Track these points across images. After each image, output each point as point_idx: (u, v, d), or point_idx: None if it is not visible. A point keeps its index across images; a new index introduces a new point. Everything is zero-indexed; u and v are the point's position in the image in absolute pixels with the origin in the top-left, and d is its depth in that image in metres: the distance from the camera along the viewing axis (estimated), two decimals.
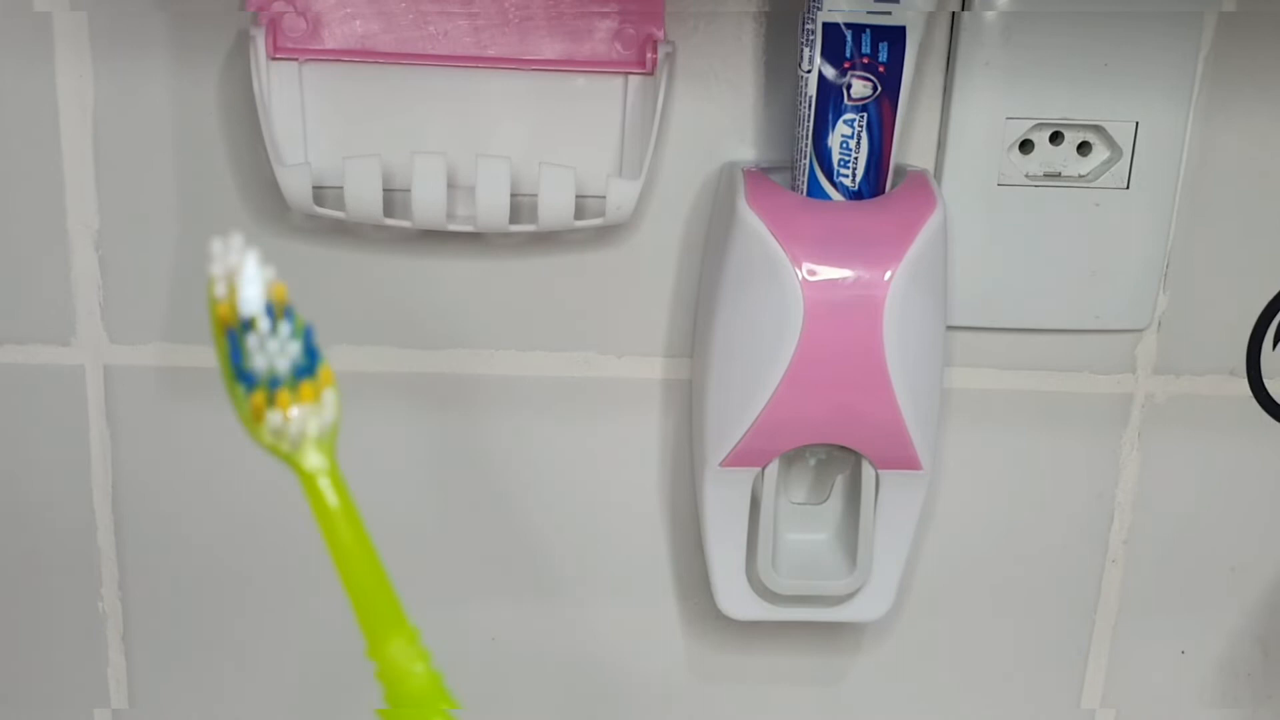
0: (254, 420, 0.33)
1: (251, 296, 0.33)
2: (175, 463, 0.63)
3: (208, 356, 0.62)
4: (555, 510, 0.65)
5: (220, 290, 0.33)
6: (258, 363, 0.33)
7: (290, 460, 0.33)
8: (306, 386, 0.33)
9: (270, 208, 0.60)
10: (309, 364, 0.34)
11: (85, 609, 0.65)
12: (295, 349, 0.33)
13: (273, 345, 0.33)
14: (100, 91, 0.58)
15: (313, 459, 0.34)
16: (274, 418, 0.33)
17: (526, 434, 0.64)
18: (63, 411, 0.62)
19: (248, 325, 0.32)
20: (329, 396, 0.34)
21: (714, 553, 0.62)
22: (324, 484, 0.34)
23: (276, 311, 0.33)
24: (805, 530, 0.64)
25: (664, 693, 0.69)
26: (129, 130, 0.59)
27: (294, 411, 0.33)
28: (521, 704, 0.69)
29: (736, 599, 0.62)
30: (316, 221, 0.60)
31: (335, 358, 0.62)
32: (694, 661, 0.68)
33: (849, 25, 0.54)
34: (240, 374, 0.33)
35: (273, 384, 0.33)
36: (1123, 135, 0.60)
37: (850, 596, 0.62)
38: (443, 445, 0.64)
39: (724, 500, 0.60)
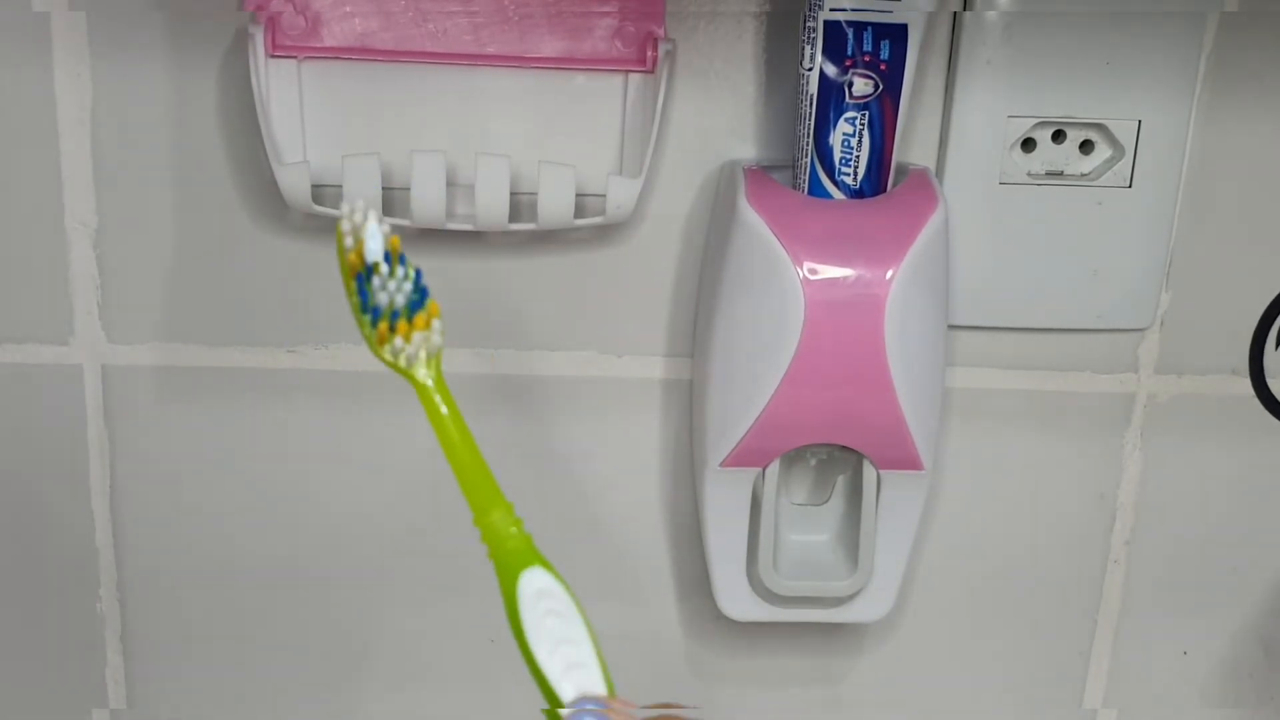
0: (378, 344, 0.42)
1: (375, 248, 0.41)
2: (173, 462, 0.63)
3: (206, 356, 0.62)
4: (555, 510, 0.65)
5: (349, 242, 0.42)
6: (380, 299, 0.41)
7: (407, 374, 0.42)
8: (419, 317, 0.42)
9: (269, 206, 0.60)
10: (419, 299, 0.42)
11: (83, 609, 0.65)
12: (409, 287, 0.42)
13: (391, 285, 0.42)
14: (98, 90, 0.58)
15: (423, 373, 0.42)
16: (396, 342, 0.42)
17: (526, 434, 0.64)
18: (61, 411, 0.62)
19: (371, 270, 0.41)
20: (436, 325, 0.42)
21: (714, 553, 0.62)
22: (435, 395, 0.42)
23: (393, 258, 0.41)
24: (806, 531, 0.63)
25: (664, 693, 0.69)
26: (127, 129, 0.58)
27: (414, 336, 0.42)
28: (522, 704, 0.68)
29: (737, 600, 0.62)
30: (315, 220, 0.60)
31: (334, 357, 0.62)
32: (694, 661, 0.68)
33: (850, 23, 0.54)
34: (365, 308, 0.42)
35: (393, 315, 0.42)
36: (1125, 134, 0.60)
37: (851, 597, 0.62)
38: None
39: (724, 500, 0.60)
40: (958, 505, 0.66)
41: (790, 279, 0.55)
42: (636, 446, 0.64)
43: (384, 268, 0.41)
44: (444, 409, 0.43)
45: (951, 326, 0.61)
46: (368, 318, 0.42)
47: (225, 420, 0.63)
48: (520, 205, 0.58)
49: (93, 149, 0.59)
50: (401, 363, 0.42)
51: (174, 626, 0.66)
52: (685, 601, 0.67)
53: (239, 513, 0.64)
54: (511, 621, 0.43)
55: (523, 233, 0.60)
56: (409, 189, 0.55)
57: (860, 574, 0.61)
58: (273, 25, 0.56)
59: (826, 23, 0.54)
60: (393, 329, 0.42)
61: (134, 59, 0.57)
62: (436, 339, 0.42)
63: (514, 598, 0.43)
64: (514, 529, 0.43)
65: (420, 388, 0.42)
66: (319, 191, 0.57)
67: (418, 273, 0.42)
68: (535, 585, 0.43)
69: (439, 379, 0.42)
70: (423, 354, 0.42)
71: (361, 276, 0.42)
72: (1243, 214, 0.63)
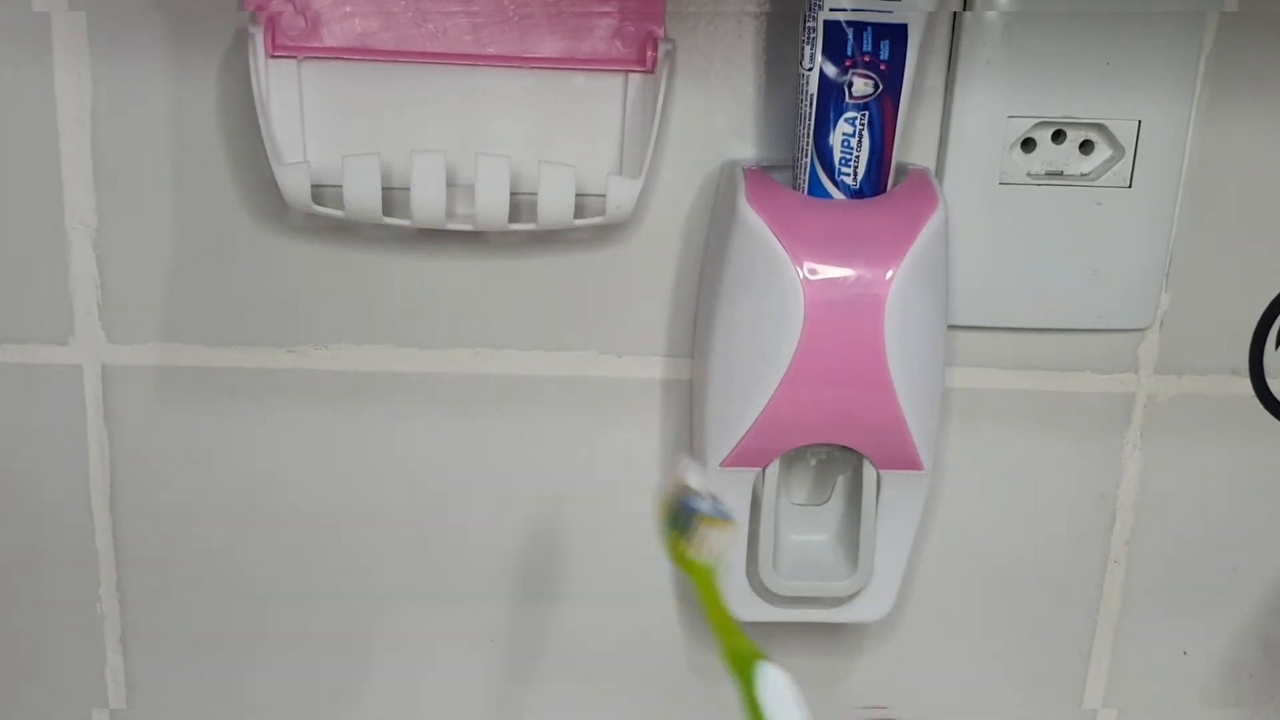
0: (678, 546, 0.51)
1: (694, 480, 0.51)
2: (173, 462, 0.63)
3: (206, 356, 0.62)
4: (555, 510, 0.65)
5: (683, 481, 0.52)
6: (692, 521, 0.51)
7: (691, 566, 0.51)
8: (715, 529, 0.50)
9: (269, 206, 0.60)
10: (717, 516, 0.51)
11: (83, 609, 0.65)
12: (710, 507, 0.51)
13: (702, 506, 0.51)
14: (98, 90, 0.58)
15: (706, 566, 0.51)
16: (694, 547, 0.51)
17: (527, 434, 0.64)
18: (61, 411, 0.62)
19: (687, 494, 0.51)
20: (724, 539, 0.51)
21: None
22: (712, 584, 0.50)
23: (705, 494, 0.51)
24: (806, 531, 0.63)
25: (664, 693, 0.69)
26: (127, 129, 0.58)
27: (706, 543, 0.51)
28: (522, 704, 0.69)
29: (737, 599, 0.62)
30: (315, 220, 0.60)
31: (334, 357, 0.62)
32: (694, 661, 0.68)
33: (850, 23, 0.54)
34: (674, 523, 0.51)
35: (689, 525, 0.51)
36: (1125, 134, 0.60)
37: (851, 597, 0.62)
38: (442, 444, 0.64)
39: (724, 500, 0.60)
40: (958, 505, 0.66)
41: (790, 279, 0.55)
42: (636, 446, 0.64)
43: (699, 501, 0.51)
44: (719, 595, 0.51)
45: (951, 326, 0.61)
46: (674, 531, 0.51)
47: (225, 420, 0.63)
48: (520, 205, 0.58)
49: (93, 149, 0.59)
50: (692, 559, 0.51)
51: (174, 626, 0.66)
52: (685, 601, 0.67)
53: (239, 513, 0.64)
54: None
55: (523, 233, 0.60)
56: (409, 189, 0.55)
57: (860, 574, 0.61)
58: (273, 25, 0.56)
59: (826, 23, 0.54)
60: (690, 538, 0.51)
61: (134, 59, 0.57)
62: (720, 545, 0.50)
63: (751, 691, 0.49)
64: (758, 658, 0.49)
65: (700, 575, 0.51)
66: (319, 191, 0.57)
67: (716, 498, 0.51)
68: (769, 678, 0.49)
69: (714, 573, 0.51)
70: (707, 557, 0.51)
71: (686, 503, 0.51)
72: (1243, 214, 0.63)
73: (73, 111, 0.58)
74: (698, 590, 0.51)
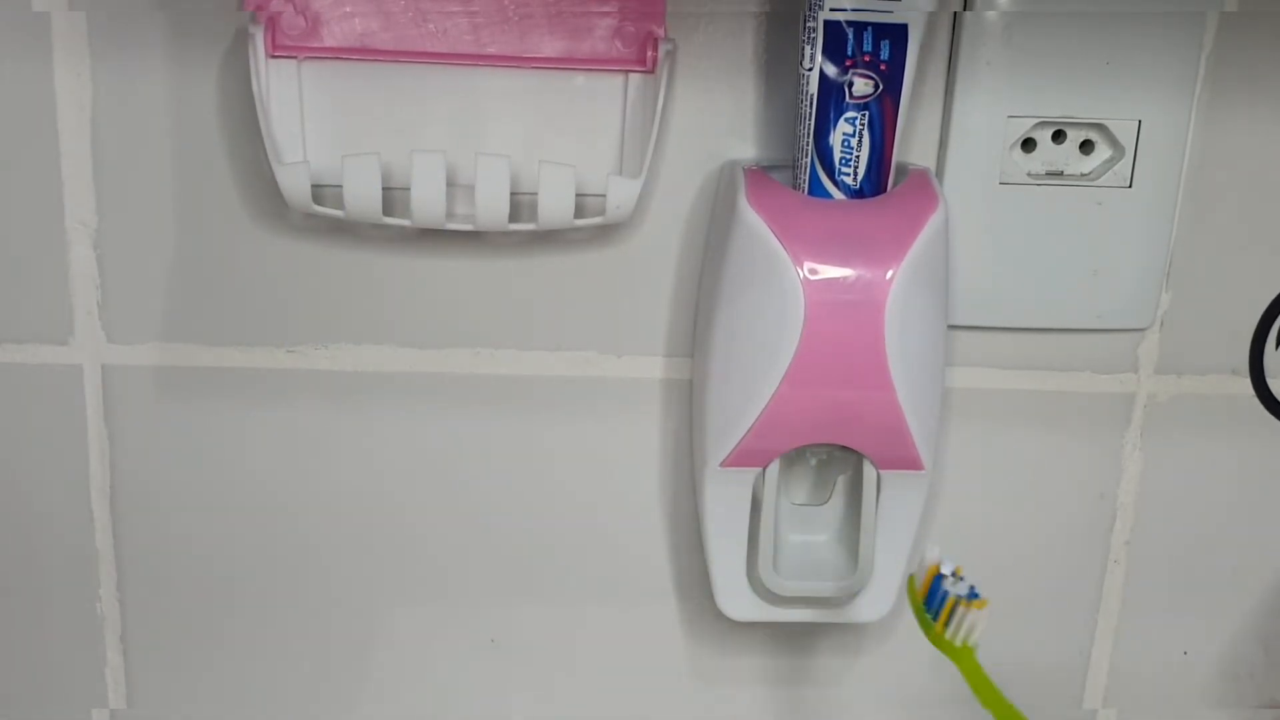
0: (936, 631, 0.54)
1: (947, 574, 0.54)
2: (173, 462, 0.63)
3: (206, 356, 0.62)
4: (555, 510, 0.65)
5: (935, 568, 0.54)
6: (946, 601, 0.53)
7: (950, 650, 0.53)
8: (971, 610, 0.53)
9: (269, 206, 0.60)
10: (970, 597, 0.53)
11: (83, 609, 0.65)
12: (964, 589, 0.53)
13: (954, 588, 0.53)
14: (98, 90, 0.58)
15: (968, 647, 0.54)
16: (950, 629, 0.53)
17: (526, 434, 0.64)
18: (60, 411, 0.62)
19: (940, 580, 0.54)
20: (979, 618, 0.53)
21: (714, 553, 0.62)
22: (975, 663, 0.53)
23: (957, 573, 0.54)
24: (806, 531, 0.63)
25: (664, 693, 0.69)
26: (127, 129, 0.58)
27: (963, 625, 0.53)
28: (521, 704, 0.69)
29: (736, 600, 0.62)
30: (315, 220, 0.60)
31: (334, 357, 0.62)
32: (694, 661, 0.68)
33: (850, 23, 0.54)
34: (927, 607, 0.54)
35: (942, 607, 0.54)
36: (1125, 134, 0.60)
37: (851, 597, 0.62)
38: (442, 445, 0.64)
39: (724, 500, 0.60)
40: (958, 505, 0.66)
41: (790, 279, 0.55)
42: (636, 446, 0.64)
43: (948, 577, 0.54)
44: (984, 673, 0.54)
45: (951, 326, 0.61)
46: (929, 613, 0.54)
47: (225, 420, 0.63)
48: (520, 205, 0.58)
49: (93, 149, 0.59)
50: (953, 641, 0.53)
51: (174, 626, 0.66)
52: (685, 601, 0.67)
53: (239, 513, 0.64)
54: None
55: (523, 233, 0.60)
56: (409, 189, 0.55)
57: (860, 574, 0.61)
58: (273, 25, 0.56)
59: (826, 23, 0.54)
60: (948, 619, 0.53)
61: (134, 59, 0.57)
62: (979, 626, 0.53)
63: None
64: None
65: (963, 657, 0.53)
66: (319, 191, 0.57)
67: (964, 581, 0.54)
68: None
69: (971, 651, 0.54)
70: (968, 637, 0.53)
71: (936, 587, 0.54)
72: (1243, 214, 0.63)
73: (73, 111, 0.58)
74: (962, 672, 0.53)
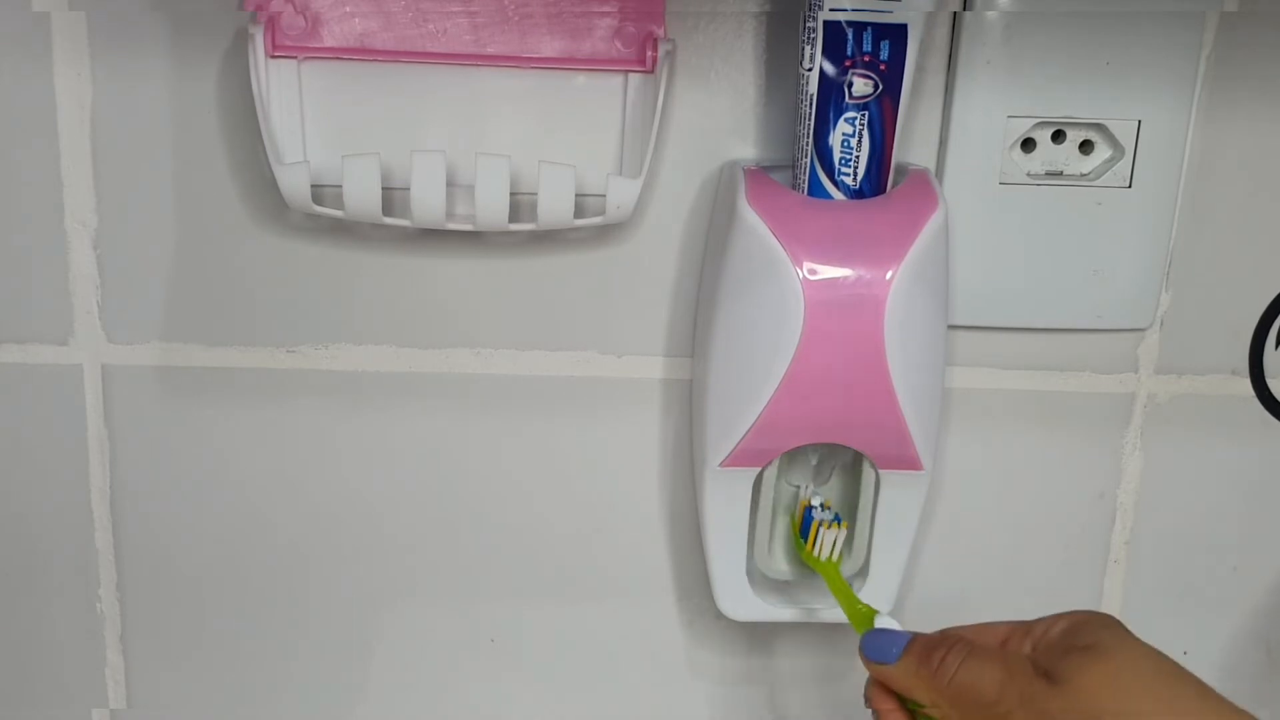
0: (806, 550, 0.61)
1: (816, 505, 0.61)
2: (173, 462, 0.63)
3: (206, 356, 0.62)
4: (555, 510, 0.65)
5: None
6: (812, 525, 0.61)
7: (817, 563, 0.60)
8: (831, 530, 0.60)
9: (269, 206, 0.60)
10: (835, 520, 0.60)
11: (83, 609, 0.65)
12: (829, 515, 0.61)
13: (820, 515, 0.61)
14: (98, 91, 0.58)
15: (832, 561, 0.60)
16: (816, 548, 0.60)
17: (526, 434, 0.64)
18: (60, 411, 0.62)
19: (812, 516, 0.61)
20: (839, 536, 0.60)
21: (714, 553, 0.62)
22: (838, 573, 0.60)
23: (825, 505, 0.61)
24: None
25: (664, 692, 0.69)
26: (127, 129, 0.58)
27: (824, 543, 0.60)
28: (522, 704, 0.69)
29: (736, 599, 0.62)
30: (315, 220, 0.60)
31: (334, 357, 0.62)
32: (694, 661, 0.68)
33: (850, 23, 0.54)
34: (803, 532, 0.61)
35: (808, 531, 0.61)
36: (1125, 134, 0.60)
37: None
38: (442, 444, 0.64)
39: (724, 500, 0.60)
40: (957, 505, 0.66)
41: (790, 279, 0.55)
42: (636, 446, 0.64)
43: (817, 508, 0.61)
44: (839, 585, 0.59)
45: (951, 326, 0.61)
46: (802, 539, 0.61)
47: (225, 420, 0.63)
48: (520, 205, 0.58)
49: (93, 149, 0.59)
50: (817, 557, 0.60)
51: (174, 626, 0.66)
52: (685, 601, 0.67)
53: (238, 512, 0.64)
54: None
55: (523, 233, 0.60)
56: (409, 189, 0.55)
57: (860, 574, 0.61)
58: (273, 25, 0.56)
59: (826, 23, 0.54)
60: (814, 537, 0.60)
61: (134, 59, 0.57)
62: (835, 542, 0.60)
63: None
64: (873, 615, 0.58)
65: (826, 570, 0.60)
66: (319, 191, 0.57)
67: (834, 511, 0.61)
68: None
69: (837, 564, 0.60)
70: (832, 553, 0.60)
71: (809, 513, 0.61)
72: (1243, 214, 0.63)
73: (73, 111, 0.58)
74: (826, 582, 0.59)
